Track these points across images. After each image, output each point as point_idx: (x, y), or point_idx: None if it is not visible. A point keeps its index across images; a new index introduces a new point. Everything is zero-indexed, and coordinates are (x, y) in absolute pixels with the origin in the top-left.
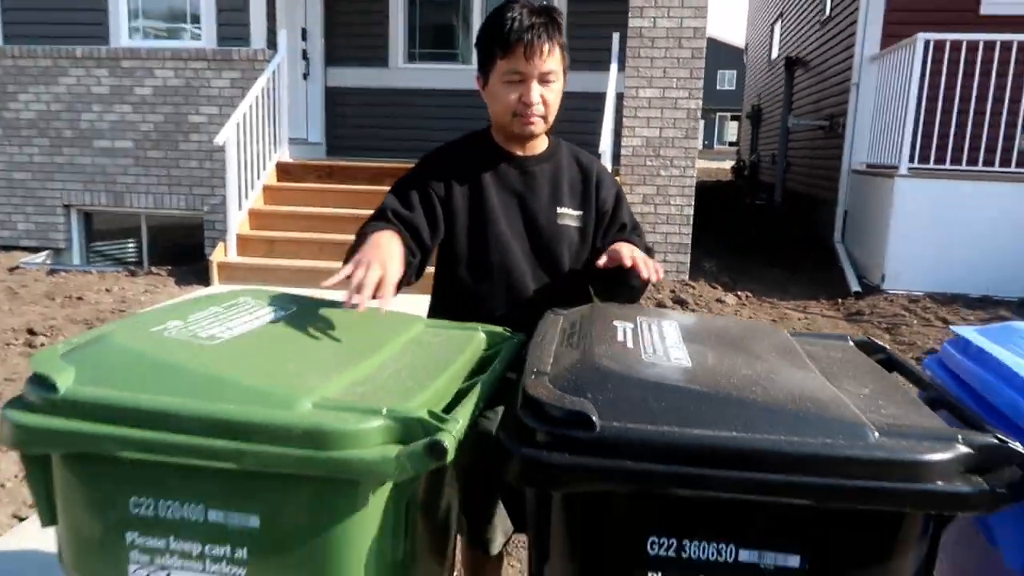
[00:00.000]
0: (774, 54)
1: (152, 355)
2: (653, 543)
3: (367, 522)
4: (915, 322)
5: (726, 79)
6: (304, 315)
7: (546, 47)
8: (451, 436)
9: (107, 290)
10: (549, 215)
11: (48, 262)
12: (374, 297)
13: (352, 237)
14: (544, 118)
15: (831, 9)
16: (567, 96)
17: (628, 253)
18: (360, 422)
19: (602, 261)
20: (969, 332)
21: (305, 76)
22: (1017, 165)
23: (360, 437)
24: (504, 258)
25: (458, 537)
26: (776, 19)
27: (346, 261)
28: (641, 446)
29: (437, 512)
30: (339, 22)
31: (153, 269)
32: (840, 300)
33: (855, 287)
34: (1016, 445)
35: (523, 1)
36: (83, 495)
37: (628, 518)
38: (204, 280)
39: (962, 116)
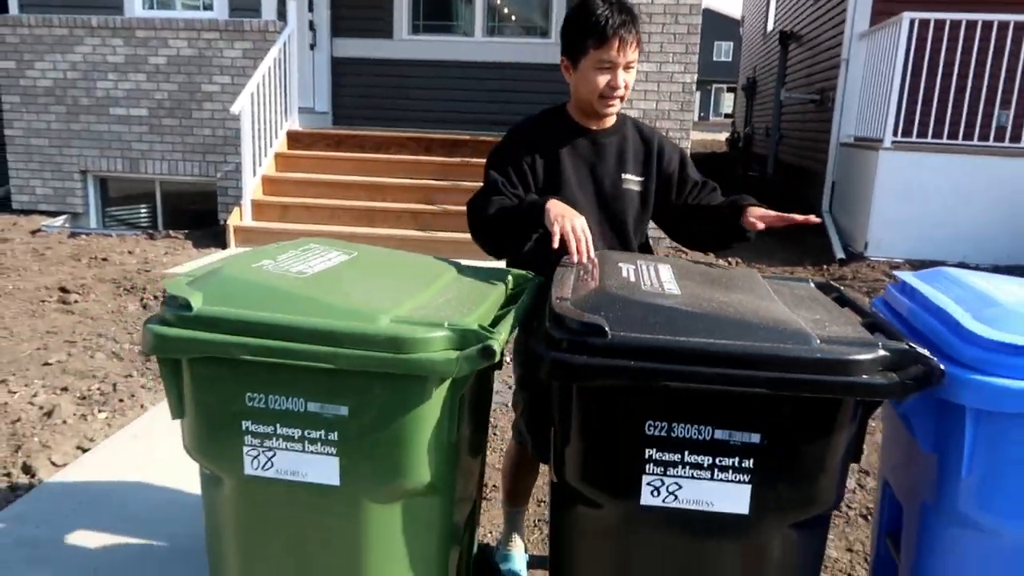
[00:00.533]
0: (769, 27)
1: (260, 283)
2: (649, 425)
3: (431, 411)
4: None
5: (722, 50)
6: (365, 258)
7: (634, 41)
8: (497, 342)
9: (129, 252)
10: (615, 180)
11: (67, 226)
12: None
13: (363, 203)
14: (622, 99)
15: None
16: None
17: (761, 213)
18: (429, 332)
19: (762, 225)
20: (907, 275)
21: (312, 47)
22: (995, 139)
23: (429, 343)
24: None
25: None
26: None
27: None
28: (641, 349)
29: (477, 410)
30: None
31: (171, 233)
32: (825, 266)
33: (840, 254)
34: (921, 350)
35: None
36: (208, 392)
37: (630, 406)
38: (221, 243)
39: (944, 92)
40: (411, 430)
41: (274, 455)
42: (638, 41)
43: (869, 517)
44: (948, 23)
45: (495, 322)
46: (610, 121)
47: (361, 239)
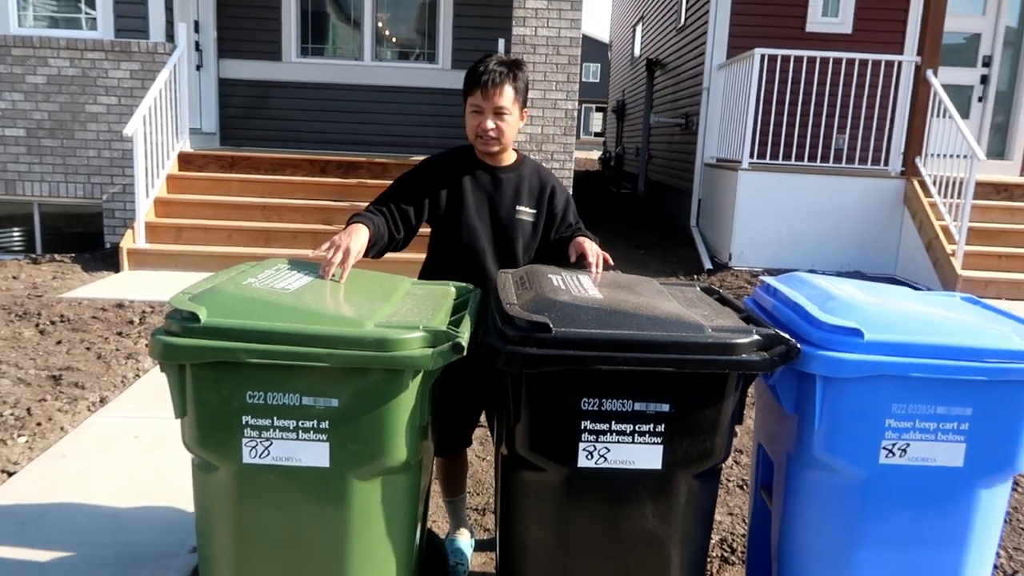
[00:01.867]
0: (636, 53)
1: (252, 297)
2: (584, 402)
3: (406, 400)
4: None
5: (591, 72)
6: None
7: (499, 89)
8: (463, 339)
9: (14, 277)
10: (510, 211)
11: None
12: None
13: (261, 224)
14: (498, 140)
15: (686, 19)
16: (458, 95)
17: (591, 250)
18: (408, 333)
19: (573, 257)
20: (770, 279)
21: (199, 67)
22: (835, 160)
23: (409, 343)
24: (472, 239)
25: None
26: (638, 21)
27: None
28: (578, 341)
29: (435, 402)
30: (231, 15)
31: (56, 256)
32: (695, 276)
33: (708, 265)
34: (784, 335)
35: (498, 56)
36: (211, 392)
37: (570, 387)
38: (113, 266)
39: (792, 119)
40: (390, 416)
41: (271, 444)
42: (516, 92)
43: (744, 488)
44: (792, 59)
45: (455, 324)
46: (509, 159)
47: (261, 259)
